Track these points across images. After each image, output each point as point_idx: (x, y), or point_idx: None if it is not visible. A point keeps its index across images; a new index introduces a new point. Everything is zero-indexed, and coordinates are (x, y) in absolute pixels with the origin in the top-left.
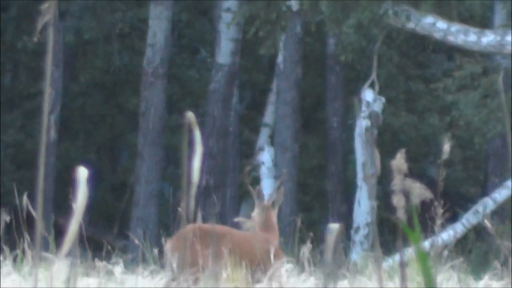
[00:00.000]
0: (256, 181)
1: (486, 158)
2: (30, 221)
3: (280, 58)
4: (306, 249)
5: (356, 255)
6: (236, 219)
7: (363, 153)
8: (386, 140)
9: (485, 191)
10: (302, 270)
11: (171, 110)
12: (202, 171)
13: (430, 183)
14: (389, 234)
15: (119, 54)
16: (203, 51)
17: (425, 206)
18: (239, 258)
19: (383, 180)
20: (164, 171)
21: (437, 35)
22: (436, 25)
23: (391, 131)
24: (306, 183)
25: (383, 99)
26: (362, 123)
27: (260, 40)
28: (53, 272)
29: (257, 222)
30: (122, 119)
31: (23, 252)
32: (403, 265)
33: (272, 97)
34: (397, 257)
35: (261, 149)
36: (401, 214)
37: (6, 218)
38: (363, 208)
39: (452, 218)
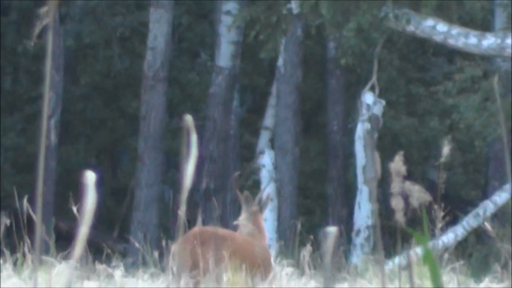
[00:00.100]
0: (257, 184)
1: (486, 161)
2: (30, 224)
3: (280, 62)
4: (306, 253)
5: (356, 258)
6: (235, 222)
7: (363, 157)
8: (386, 143)
9: (485, 194)
10: (302, 273)
11: (172, 113)
12: (202, 174)
13: (430, 186)
14: (389, 238)
15: (119, 57)
16: (203, 55)
17: (426, 209)
18: (240, 262)
19: (384, 183)
20: (164, 175)
21: (438, 38)
22: (436, 28)
23: (391, 134)
24: (307, 187)
25: (384, 102)
26: (362, 126)
27: (260, 43)
28: (53, 275)
29: (244, 227)
30: (123, 123)
31: (24, 255)
32: (410, 265)
33: (272, 101)
34: (397, 260)
35: (262, 152)
36: (399, 217)
37: (6, 221)
38: (364, 211)
39: (453, 221)
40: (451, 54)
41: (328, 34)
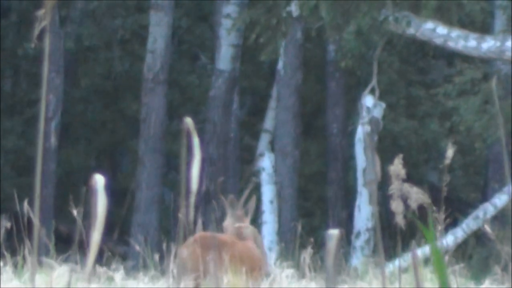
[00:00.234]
0: (257, 187)
1: (486, 163)
2: (30, 227)
3: (280, 64)
4: (306, 255)
5: (356, 260)
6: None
7: (363, 159)
8: (386, 146)
9: (485, 197)
10: (303, 275)
11: (172, 116)
12: (202, 177)
13: (430, 189)
14: (389, 240)
15: (119, 60)
16: (203, 57)
17: (425, 211)
18: (239, 266)
19: (384, 186)
20: (165, 177)
21: (438, 41)
22: (436, 31)
23: (391, 137)
24: (307, 189)
25: (384, 105)
26: (362, 129)
27: (260, 46)
28: (54, 278)
29: (230, 231)
30: (123, 125)
31: (24, 258)
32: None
33: (272, 103)
34: (397, 262)
35: (262, 155)
36: (399, 219)
37: (7, 224)
38: (364, 213)
39: (453, 223)
40: (451, 56)
41: (328, 37)
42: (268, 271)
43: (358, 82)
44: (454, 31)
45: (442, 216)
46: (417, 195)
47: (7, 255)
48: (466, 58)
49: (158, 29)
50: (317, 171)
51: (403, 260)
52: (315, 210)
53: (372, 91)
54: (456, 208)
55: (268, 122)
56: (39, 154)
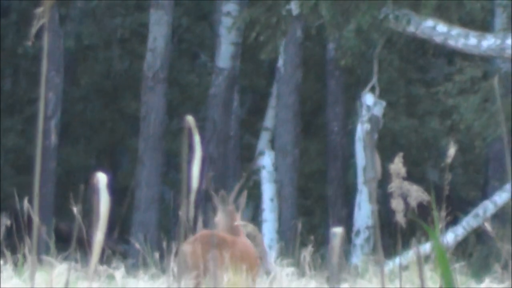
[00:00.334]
0: (257, 185)
1: (486, 161)
2: (31, 225)
3: (280, 63)
4: (307, 253)
5: (356, 258)
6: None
7: (363, 157)
8: (386, 144)
9: (485, 195)
10: (303, 274)
11: (172, 114)
12: (202, 175)
13: (430, 187)
14: (389, 238)
15: (119, 59)
16: (203, 56)
17: (426, 210)
18: (240, 264)
19: (384, 184)
20: (164, 176)
21: (438, 39)
22: (436, 29)
23: (391, 135)
24: (307, 188)
25: (384, 103)
26: (362, 127)
27: (260, 44)
28: (54, 276)
29: (221, 227)
30: (123, 124)
31: (24, 256)
32: (420, 262)
33: (272, 102)
34: (397, 260)
35: (262, 153)
36: (400, 218)
37: (7, 222)
38: (364, 211)
39: (453, 221)
40: (451, 55)
41: (328, 35)
42: (269, 269)
43: (358, 80)
44: (454, 29)
45: (442, 214)
46: (417, 193)
47: (7, 253)
48: (466, 56)
49: (158, 27)
50: (317, 169)
51: (403, 258)
52: (315, 209)
53: (372, 90)
54: (456, 206)
55: (268, 121)
56: (39, 153)
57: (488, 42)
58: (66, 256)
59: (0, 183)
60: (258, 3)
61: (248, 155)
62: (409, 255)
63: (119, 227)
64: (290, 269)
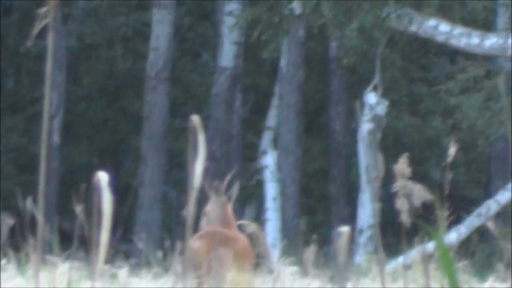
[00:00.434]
0: (260, 184)
1: (488, 160)
2: (33, 224)
3: (282, 62)
4: (310, 252)
5: (359, 257)
6: (239, 222)
7: (366, 156)
8: (389, 143)
9: (488, 194)
10: (306, 273)
11: (174, 114)
12: (205, 174)
13: (433, 186)
14: (392, 237)
15: (122, 58)
16: (205, 55)
17: (429, 209)
18: (242, 262)
19: (386, 183)
20: (167, 175)
21: (440, 38)
22: (438, 28)
23: (394, 134)
24: (309, 187)
25: (386, 102)
26: (365, 126)
27: (262, 43)
28: (57, 275)
29: (213, 218)
30: (125, 123)
31: (27, 255)
32: (424, 261)
33: (275, 101)
34: (400, 259)
35: (264, 152)
36: (404, 218)
37: (10, 221)
38: (366, 210)
39: (456, 220)
40: (453, 54)
41: (330, 34)
42: (271, 268)
43: (360, 79)
44: (457, 28)
45: (445, 213)
46: (420, 192)
47: (11, 252)
48: (468, 55)
49: (161, 27)
50: (320, 168)
51: (406, 258)
52: (318, 208)
53: (375, 89)
54: (459, 205)
55: (271, 120)
56: (43, 152)
57: (491, 42)
58: (68, 255)
59: (2, 182)
60: (260, 2)
61: (250, 154)
62: (412, 255)
63: (122, 226)
64: (293, 268)
